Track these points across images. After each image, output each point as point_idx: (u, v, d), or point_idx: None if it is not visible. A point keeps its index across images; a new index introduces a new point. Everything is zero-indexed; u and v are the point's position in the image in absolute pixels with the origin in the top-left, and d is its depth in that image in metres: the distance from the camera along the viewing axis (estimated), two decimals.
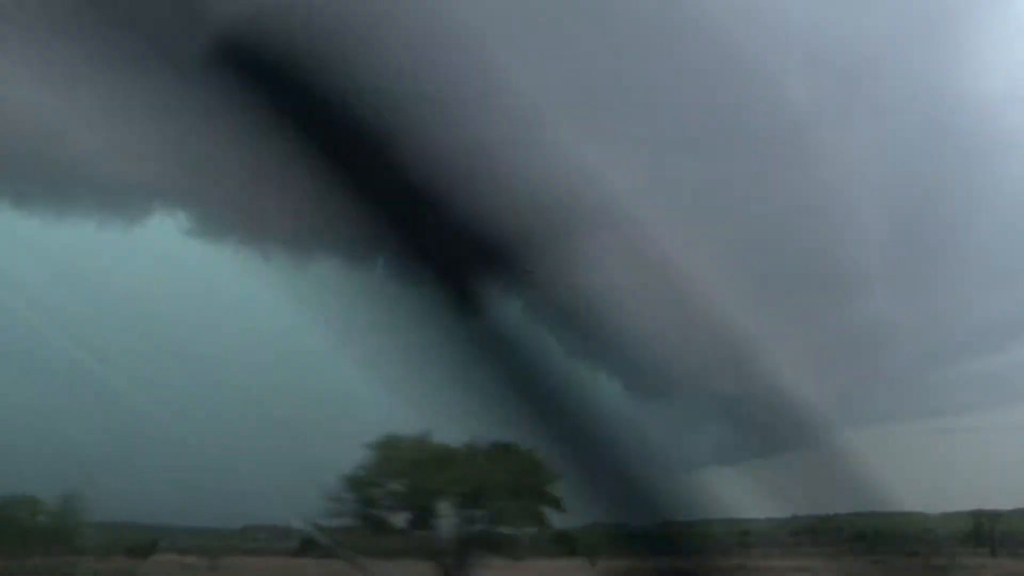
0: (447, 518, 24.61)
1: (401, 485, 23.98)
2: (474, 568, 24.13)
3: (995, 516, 42.06)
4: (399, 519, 24.32)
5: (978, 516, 44.07)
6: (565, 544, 25.27)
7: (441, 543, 24.29)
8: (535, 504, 23.38)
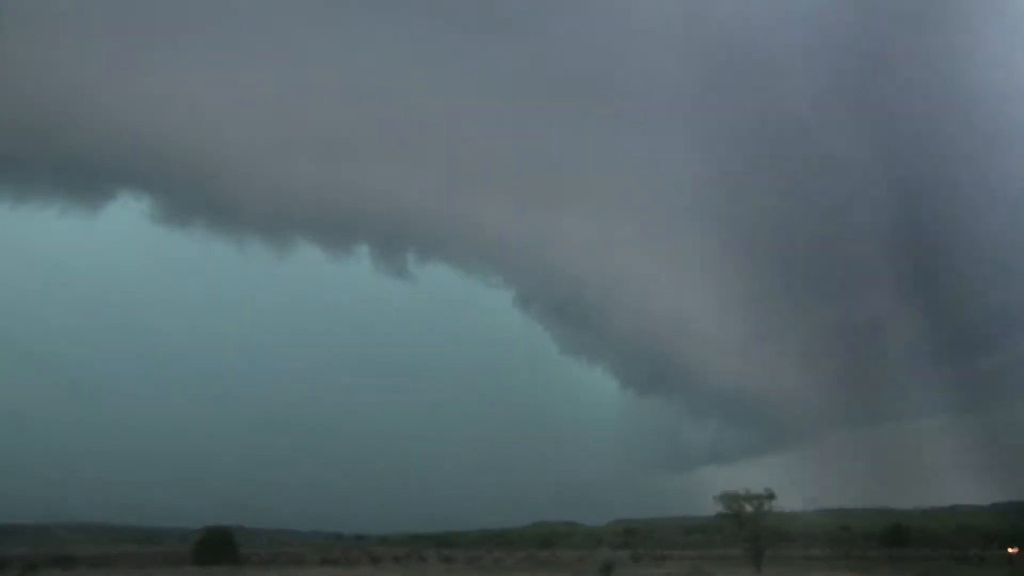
0: None
1: None
2: None
3: (755, 512, 27.33)
4: None
5: (734, 503, 27.49)
6: None
7: None
8: None
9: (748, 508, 27.47)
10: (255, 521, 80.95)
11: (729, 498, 27.67)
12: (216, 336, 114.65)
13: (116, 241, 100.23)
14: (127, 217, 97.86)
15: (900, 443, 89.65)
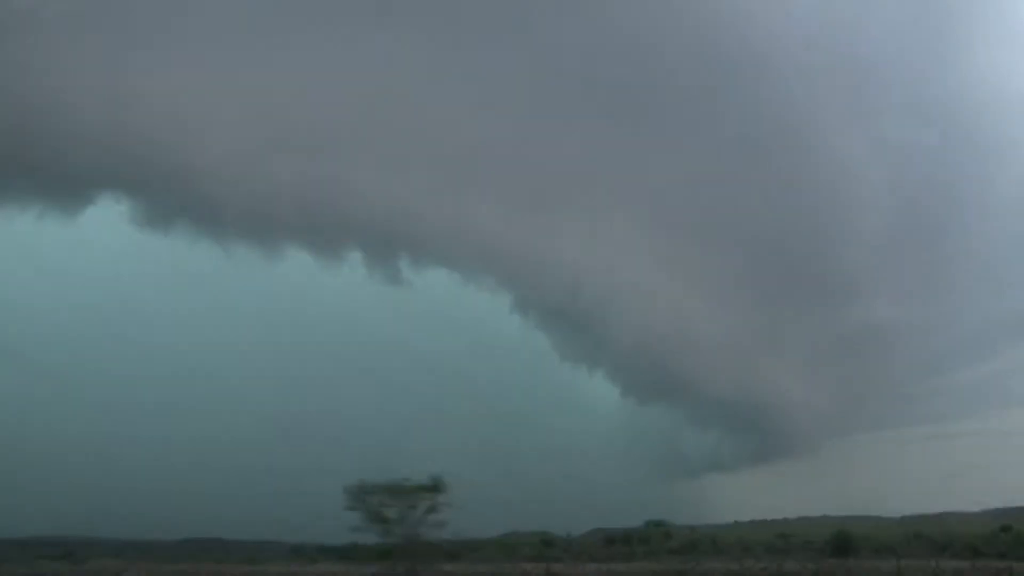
0: None
1: None
2: None
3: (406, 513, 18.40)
4: None
5: (373, 497, 18.52)
6: None
7: None
8: None
9: (390, 508, 17.79)
10: (236, 533, 74.37)
11: (362, 492, 17.79)
12: (204, 342, 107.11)
13: (96, 245, 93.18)
14: (107, 221, 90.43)
15: (897, 451, 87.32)
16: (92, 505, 78.60)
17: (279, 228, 76.55)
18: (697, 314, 78.68)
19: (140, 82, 69.53)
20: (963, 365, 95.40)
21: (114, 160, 70.66)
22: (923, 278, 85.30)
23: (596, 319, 74.78)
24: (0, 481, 75.63)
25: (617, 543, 52.81)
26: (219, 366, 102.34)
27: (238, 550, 66.96)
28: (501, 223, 74.81)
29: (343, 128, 75.26)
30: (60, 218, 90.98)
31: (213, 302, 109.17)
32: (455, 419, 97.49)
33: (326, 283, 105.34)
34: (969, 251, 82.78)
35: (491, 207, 76.77)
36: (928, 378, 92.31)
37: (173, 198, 72.99)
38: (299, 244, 79.39)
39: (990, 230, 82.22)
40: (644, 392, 75.01)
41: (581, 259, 76.05)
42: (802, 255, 79.60)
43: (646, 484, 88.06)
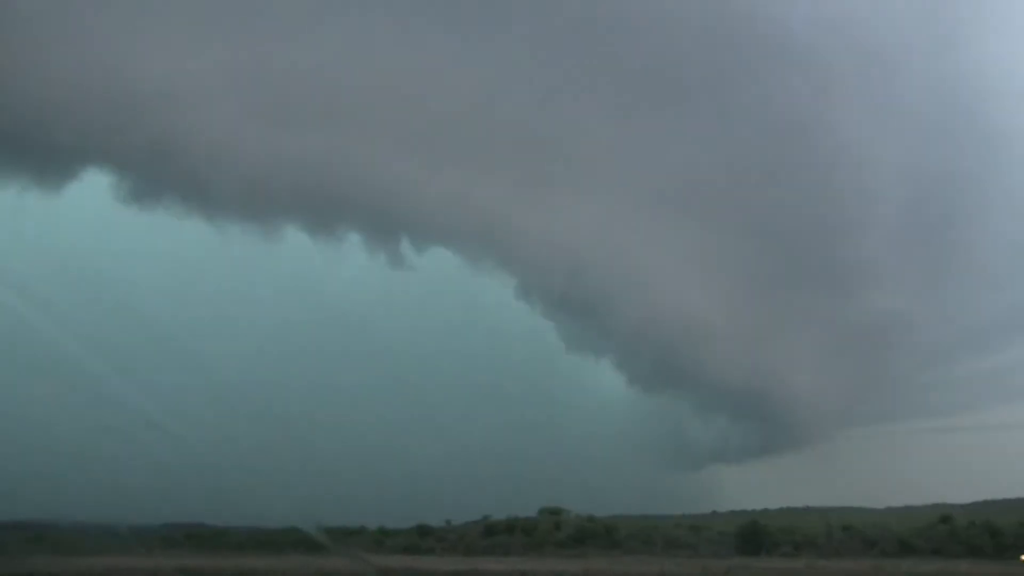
0: None
1: None
2: None
3: None
4: None
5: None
6: None
7: None
8: None
9: None
10: (224, 518, 67.14)
11: None
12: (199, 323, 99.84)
13: (80, 222, 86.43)
14: (92, 196, 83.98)
15: (897, 443, 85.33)
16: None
17: (274, 206, 71.19)
18: (705, 302, 75.04)
19: (125, 50, 64.01)
20: (969, 358, 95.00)
21: (99, 132, 65.47)
22: (930, 270, 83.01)
23: (602, 306, 70.15)
24: None
25: (500, 533, 45.60)
26: (212, 350, 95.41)
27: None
28: (505, 206, 69.89)
29: (343, 103, 70.21)
30: (42, 193, 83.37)
31: (202, 281, 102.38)
32: (457, 407, 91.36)
33: (323, 263, 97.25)
34: (976, 243, 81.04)
35: (495, 189, 71.81)
36: (932, 371, 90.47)
37: (161, 173, 67.35)
38: (295, 223, 74.26)
39: (997, 222, 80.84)
40: (650, 381, 70.20)
41: (587, 245, 71.69)
42: (809, 244, 77.18)
43: (650, 472, 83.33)
